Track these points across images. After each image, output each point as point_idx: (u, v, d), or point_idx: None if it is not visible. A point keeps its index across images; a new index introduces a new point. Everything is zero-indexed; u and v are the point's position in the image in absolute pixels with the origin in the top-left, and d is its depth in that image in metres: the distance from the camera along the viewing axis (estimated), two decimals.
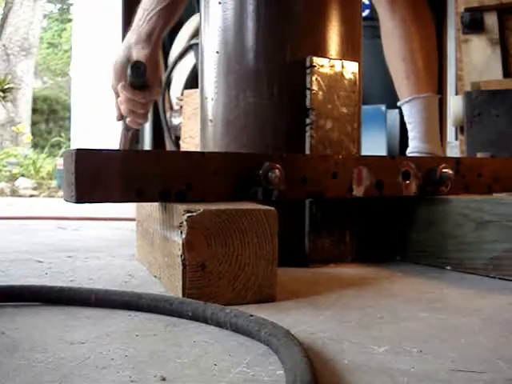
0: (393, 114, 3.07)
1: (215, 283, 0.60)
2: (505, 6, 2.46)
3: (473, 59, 2.51)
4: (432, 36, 1.46)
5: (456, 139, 2.84)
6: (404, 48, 1.42)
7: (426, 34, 1.44)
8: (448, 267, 0.82)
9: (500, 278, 0.75)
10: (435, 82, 1.47)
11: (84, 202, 0.63)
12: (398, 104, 1.47)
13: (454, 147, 2.69)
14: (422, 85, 1.41)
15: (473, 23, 2.50)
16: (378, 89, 3.04)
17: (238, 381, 0.39)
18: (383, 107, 3.05)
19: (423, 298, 0.65)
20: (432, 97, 1.42)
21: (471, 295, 0.67)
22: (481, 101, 2.29)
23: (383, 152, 2.97)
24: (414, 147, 1.44)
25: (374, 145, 2.85)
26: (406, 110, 1.45)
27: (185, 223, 0.58)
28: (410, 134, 1.46)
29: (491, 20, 2.50)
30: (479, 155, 1.69)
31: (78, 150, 0.62)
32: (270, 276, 0.62)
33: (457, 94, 2.74)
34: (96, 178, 0.62)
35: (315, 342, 0.48)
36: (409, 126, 1.46)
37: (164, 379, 0.39)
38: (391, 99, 3.03)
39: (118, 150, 0.67)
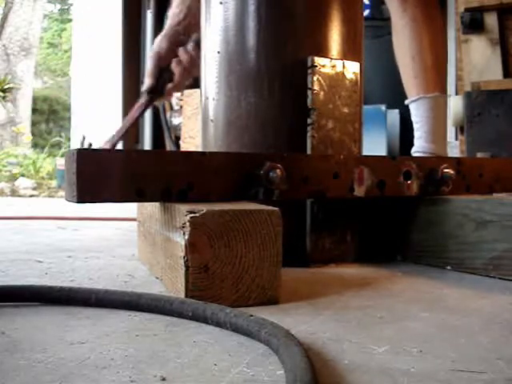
0: (393, 114, 3.07)
1: (218, 285, 0.59)
2: (505, 6, 2.46)
3: (473, 59, 2.51)
4: (441, 35, 1.46)
5: (456, 139, 2.84)
6: (414, 46, 1.41)
7: (436, 33, 1.43)
8: (448, 267, 0.82)
9: (500, 278, 0.75)
10: (443, 82, 1.46)
11: (85, 201, 0.63)
12: (406, 102, 1.46)
13: (454, 147, 2.69)
14: (429, 84, 1.41)
15: (473, 23, 2.50)
16: (378, 89, 3.04)
17: (238, 381, 0.39)
18: (383, 107, 3.05)
19: (423, 298, 0.65)
20: (439, 97, 1.41)
21: (471, 295, 0.67)
22: (481, 101, 2.29)
23: (383, 152, 2.97)
24: (418, 147, 1.44)
25: (374, 145, 2.85)
26: (413, 108, 1.44)
27: (188, 224, 0.58)
28: (416, 134, 1.45)
29: (491, 20, 2.50)
30: (479, 155, 1.69)
31: (80, 150, 0.62)
32: (274, 278, 0.62)
33: (457, 94, 2.74)
34: (97, 177, 0.62)
35: (315, 342, 0.48)
36: (415, 126, 1.46)
37: (164, 379, 0.39)
38: (391, 99, 3.04)
39: (119, 150, 0.67)
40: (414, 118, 1.45)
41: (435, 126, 1.42)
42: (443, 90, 1.44)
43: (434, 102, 1.41)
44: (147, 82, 1.31)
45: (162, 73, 1.29)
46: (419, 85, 1.41)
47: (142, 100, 1.35)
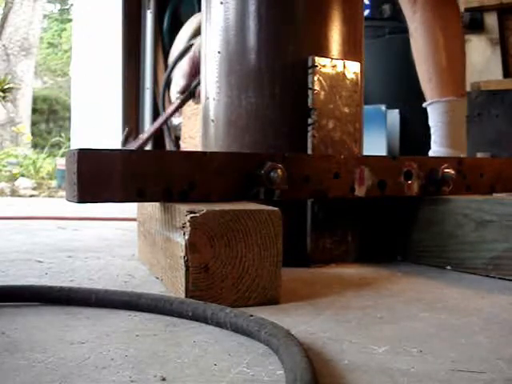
0: (393, 114, 3.07)
1: (218, 285, 0.59)
2: (505, 6, 2.46)
3: (473, 59, 2.51)
4: (457, 36, 1.42)
5: None
6: (426, 49, 1.38)
7: (451, 35, 1.39)
8: (448, 267, 0.82)
9: (500, 278, 0.75)
10: (459, 84, 1.42)
11: (86, 201, 0.62)
12: (423, 105, 1.44)
13: None
14: (443, 88, 1.37)
15: (473, 23, 2.50)
16: (378, 89, 3.04)
17: (238, 381, 0.39)
18: (383, 107, 3.05)
19: (423, 298, 0.65)
20: (454, 100, 1.37)
21: (471, 295, 0.67)
22: (481, 101, 2.29)
23: (383, 152, 2.97)
24: (433, 151, 1.41)
25: (374, 145, 2.85)
26: (429, 112, 1.41)
27: (188, 224, 0.58)
28: (432, 137, 1.43)
29: (491, 20, 2.50)
30: (479, 155, 1.69)
31: (81, 150, 0.62)
32: (274, 278, 0.62)
33: None
34: (98, 177, 0.62)
35: (315, 342, 0.48)
36: (431, 129, 1.43)
37: (164, 379, 0.39)
38: (391, 99, 3.04)
39: (119, 150, 0.67)
40: (429, 122, 1.42)
41: (450, 131, 1.38)
42: (459, 92, 1.39)
43: (449, 107, 1.37)
44: (180, 83, 1.32)
45: (198, 75, 1.32)
46: (433, 88, 1.38)
47: (176, 101, 1.38)
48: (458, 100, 1.39)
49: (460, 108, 1.40)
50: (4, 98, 8.84)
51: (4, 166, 4.92)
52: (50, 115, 11.23)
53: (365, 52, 0.95)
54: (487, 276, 0.76)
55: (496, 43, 2.46)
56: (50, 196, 3.90)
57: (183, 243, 0.58)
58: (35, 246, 1.08)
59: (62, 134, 7.29)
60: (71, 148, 0.73)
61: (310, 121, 0.84)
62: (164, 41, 3.69)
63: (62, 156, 5.08)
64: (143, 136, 1.40)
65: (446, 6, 1.40)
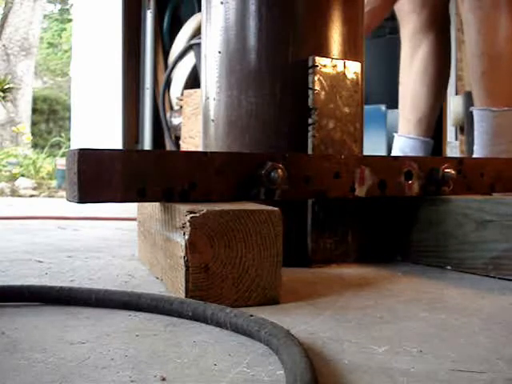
0: (393, 114, 3.07)
1: (218, 285, 0.59)
2: None
3: None
4: (501, 40, 1.29)
5: (456, 139, 2.84)
6: (468, 53, 1.33)
7: (495, 39, 1.29)
8: (448, 267, 0.82)
9: (500, 278, 0.75)
10: (497, 91, 1.32)
11: (87, 201, 0.62)
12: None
13: (454, 147, 2.69)
14: (477, 96, 1.32)
15: None
16: (379, 89, 3.04)
17: (238, 381, 0.39)
18: (383, 107, 3.05)
19: (423, 298, 0.65)
20: (486, 110, 1.31)
21: (471, 295, 0.67)
22: None
23: (383, 152, 2.97)
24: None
25: (374, 145, 2.85)
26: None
27: (188, 224, 0.58)
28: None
29: None
30: None
31: (81, 150, 0.62)
32: (274, 278, 0.62)
33: (457, 94, 2.74)
34: (99, 177, 0.62)
35: (315, 342, 0.48)
36: None
37: (164, 379, 0.39)
38: (391, 99, 3.04)
39: (120, 150, 0.67)
40: None
41: (484, 140, 1.33)
42: (496, 101, 1.31)
43: (480, 116, 1.32)
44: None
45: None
46: (473, 96, 1.34)
47: None
48: (491, 110, 1.31)
49: (495, 117, 1.32)
50: (4, 97, 8.84)
51: (4, 165, 4.92)
52: (50, 115, 11.23)
53: (365, 52, 0.95)
54: (487, 276, 0.76)
55: None
56: (50, 196, 3.90)
57: (183, 243, 0.58)
58: (35, 246, 1.08)
59: (62, 134, 7.29)
60: (71, 148, 0.73)
61: (310, 121, 0.84)
62: (164, 41, 3.70)
63: (62, 156, 5.07)
64: None
65: (493, 9, 1.29)
